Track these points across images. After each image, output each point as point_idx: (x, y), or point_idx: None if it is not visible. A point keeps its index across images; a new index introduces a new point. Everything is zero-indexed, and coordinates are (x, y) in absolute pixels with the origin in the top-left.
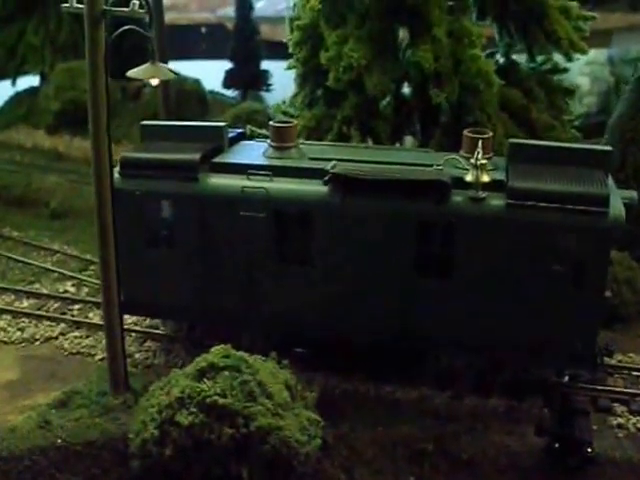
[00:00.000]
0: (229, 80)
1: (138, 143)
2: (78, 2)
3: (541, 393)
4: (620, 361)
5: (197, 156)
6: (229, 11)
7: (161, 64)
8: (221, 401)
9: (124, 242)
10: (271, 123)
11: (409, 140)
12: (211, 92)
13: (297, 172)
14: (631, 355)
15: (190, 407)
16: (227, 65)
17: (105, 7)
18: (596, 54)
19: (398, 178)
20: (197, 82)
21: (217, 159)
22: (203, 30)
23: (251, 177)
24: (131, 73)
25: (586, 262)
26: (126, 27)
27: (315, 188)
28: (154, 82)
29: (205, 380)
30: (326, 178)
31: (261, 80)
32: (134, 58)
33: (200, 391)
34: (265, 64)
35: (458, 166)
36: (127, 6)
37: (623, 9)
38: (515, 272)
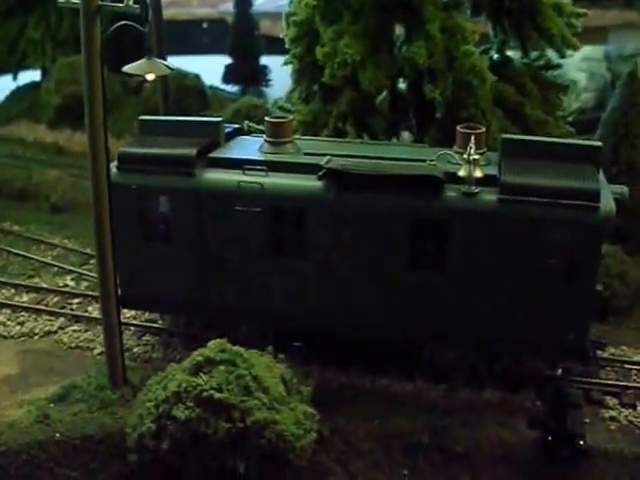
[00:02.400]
0: (228, 75)
1: (134, 136)
2: None
3: (534, 386)
4: (612, 354)
5: (194, 151)
6: (230, 6)
7: (157, 59)
8: (217, 395)
9: (121, 236)
10: (266, 118)
11: (406, 136)
12: (211, 87)
13: (292, 167)
14: (623, 348)
15: (187, 401)
16: (227, 60)
17: (100, 2)
18: (593, 50)
19: (392, 173)
20: (197, 77)
21: (213, 154)
22: (204, 25)
23: (247, 172)
24: (127, 68)
25: (578, 256)
26: (120, 23)
27: (310, 183)
28: (150, 77)
29: (201, 374)
30: (320, 173)
31: (260, 75)
32: (135, 52)
33: (196, 385)
34: (266, 59)
35: (451, 161)
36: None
37: (619, 6)
38: (507, 266)
